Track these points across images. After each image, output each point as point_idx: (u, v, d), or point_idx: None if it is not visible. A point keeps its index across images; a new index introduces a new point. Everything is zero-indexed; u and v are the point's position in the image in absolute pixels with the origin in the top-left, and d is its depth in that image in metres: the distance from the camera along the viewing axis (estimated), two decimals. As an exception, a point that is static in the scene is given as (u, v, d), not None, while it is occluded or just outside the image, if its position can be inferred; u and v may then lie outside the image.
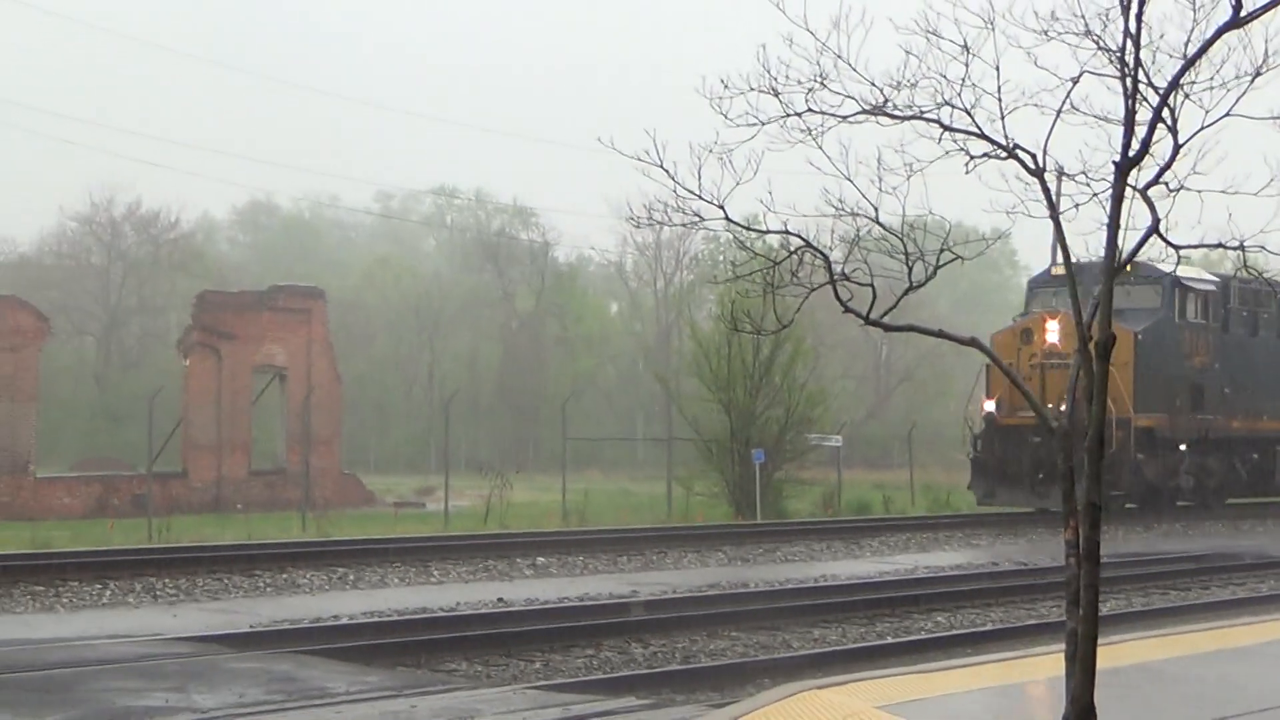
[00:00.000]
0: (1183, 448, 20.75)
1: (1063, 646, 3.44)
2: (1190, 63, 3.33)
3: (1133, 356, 19.41)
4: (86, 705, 6.59)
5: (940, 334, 4.34)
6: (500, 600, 11.61)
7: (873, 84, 3.47)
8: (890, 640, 10.14)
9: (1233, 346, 21.79)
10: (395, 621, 10.38)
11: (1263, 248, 3.61)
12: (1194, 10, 3.33)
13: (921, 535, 19.25)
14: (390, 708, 6.54)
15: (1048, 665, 5.56)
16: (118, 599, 11.80)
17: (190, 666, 7.93)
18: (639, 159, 3.62)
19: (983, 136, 3.58)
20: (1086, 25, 3.40)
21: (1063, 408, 16.20)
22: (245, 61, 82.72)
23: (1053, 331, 19.28)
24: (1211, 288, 21.30)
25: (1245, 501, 23.04)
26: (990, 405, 20.95)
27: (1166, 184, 3.48)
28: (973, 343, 4.18)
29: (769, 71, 3.44)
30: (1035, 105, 3.58)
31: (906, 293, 3.85)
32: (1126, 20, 3.30)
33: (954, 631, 10.61)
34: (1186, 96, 3.44)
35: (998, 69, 3.46)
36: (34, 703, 6.67)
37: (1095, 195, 3.49)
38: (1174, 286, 20.09)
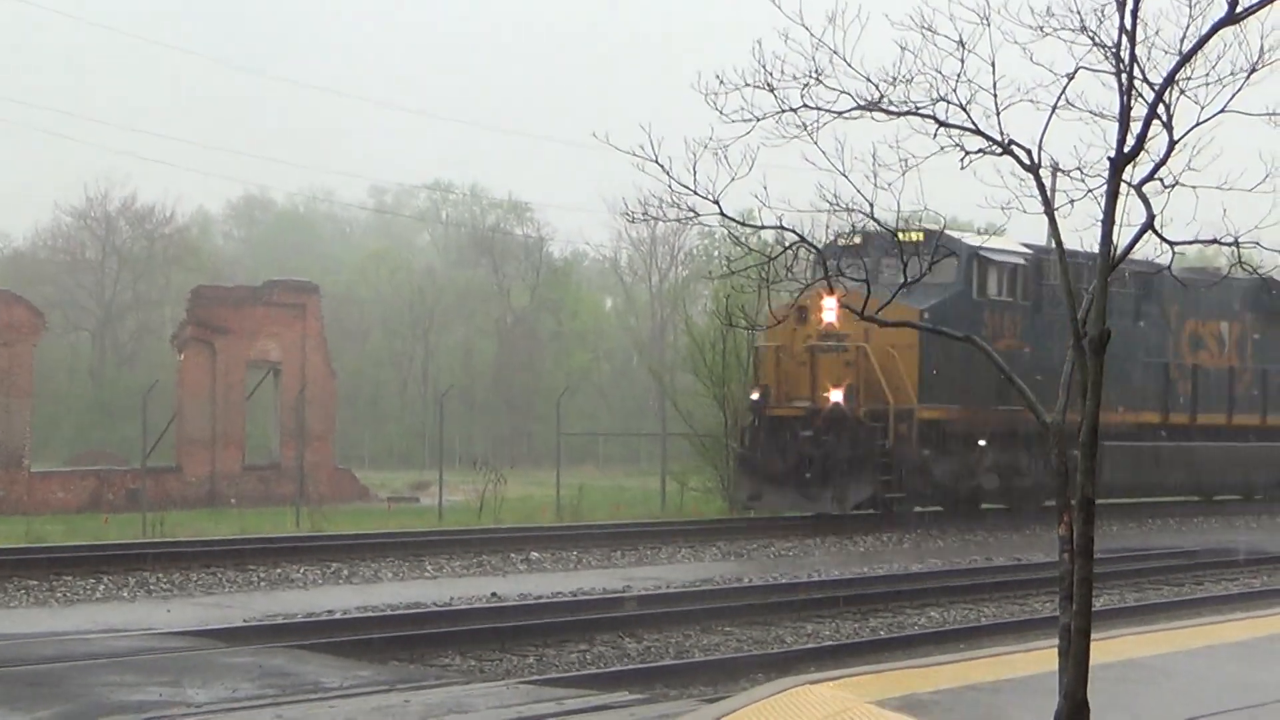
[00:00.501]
0: (983, 443, 18.23)
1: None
2: (1186, 59, 3.32)
3: (918, 338, 16.49)
4: (80, 699, 6.56)
5: (936, 330, 4.33)
6: (494, 595, 11.57)
7: (868, 80, 3.46)
8: (884, 636, 10.17)
9: (1049, 328, 18.00)
10: (389, 616, 10.35)
11: (1258, 244, 3.60)
12: (1190, 6, 3.32)
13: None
14: (384, 702, 6.52)
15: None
16: (111, 593, 11.77)
17: (184, 661, 7.91)
18: (634, 154, 3.60)
19: (978, 132, 3.57)
20: (1082, 21, 3.39)
21: (833, 397, 15.94)
22: (241, 56, 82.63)
23: (829, 310, 16.21)
24: (1020, 261, 18.52)
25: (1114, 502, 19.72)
26: (756, 394, 18.20)
27: (1161, 180, 3.47)
28: (968, 340, 4.16)
29: (764, 67, 3.42)
30: (1031, 101, 3.56)
31: (901, 288, 3.82)
32: (1122, 16, 3.29)
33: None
34: (1182, 93, 3.43)
35: (993, 65, 3.45)
36: (29, 697, 6.64)
37: (1090, 191, 3.48)
38: (972, 259, 17.69)
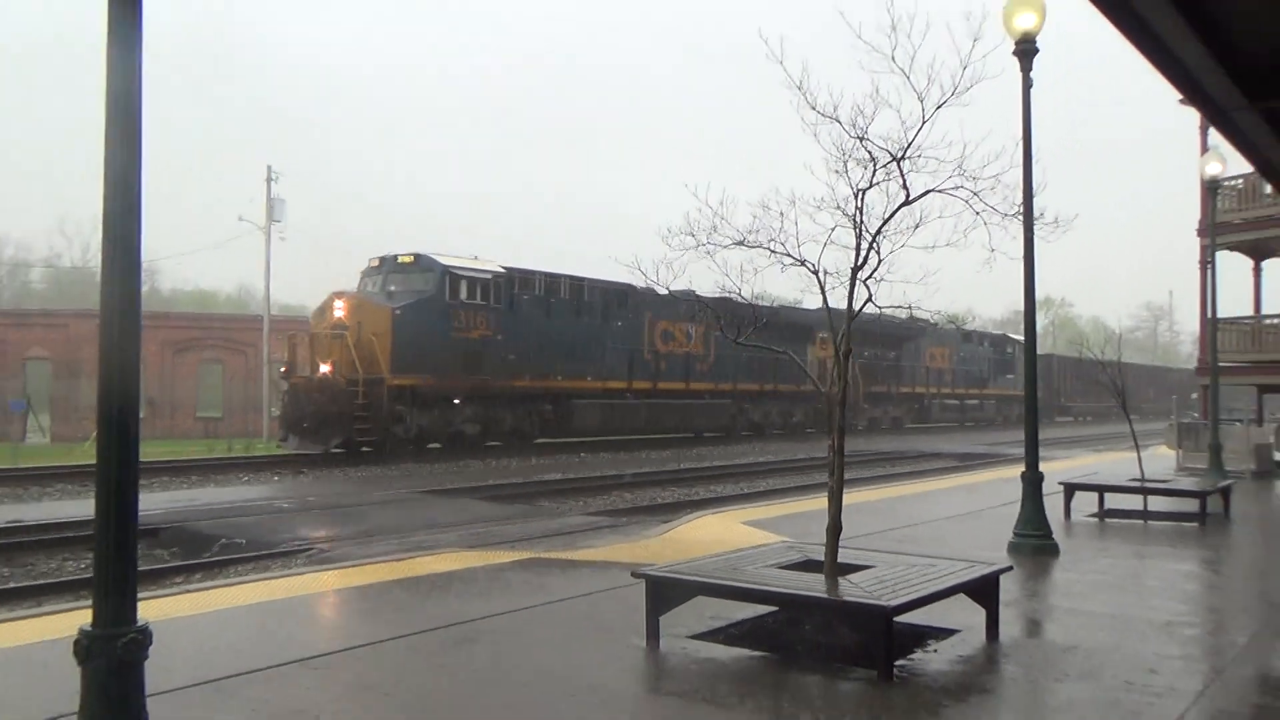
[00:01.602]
0: (457, 401, 24.19)
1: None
2: (885, 222, 6.89)
3: (390, 328, 22.46)
4: None
5: (758, 346, 7.81)
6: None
7: (738, 230, 6.89)
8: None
9: (521, 322, 25.32)
10: None
11: (918, 306, 7.25)
12: (889, 197, 6.90)
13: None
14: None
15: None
16: None
17: None
18: (626, 265, 7.04)
19: (789, 255, 7.01)
20: (839, 205, 6.95)
21: (322, 369, 23.75)
22: None
23: (339, 309, 22.69)
24: (489, 275, 24.74)
25: (550, 441, 27.25)
26: (283, 368, 23.86)
27: (874, 277, 7.05)
28: (771, 350, 7.46)
29: (690, 224, 6.83)
30: (815, 241, 7.08)
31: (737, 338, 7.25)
32: (858, 201, 6.83)
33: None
34: (884, 236, 7.01)
35: (796, 222, 6.93)
36: None
37: (841, 283, 7.02)
38: (445, 274, 23.71)
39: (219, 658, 5.33)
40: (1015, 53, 9.43)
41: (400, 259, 24.48)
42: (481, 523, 12.04)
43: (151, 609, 5.68)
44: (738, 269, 6.90)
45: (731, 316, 31.46)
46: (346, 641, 5.72)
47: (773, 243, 6.82)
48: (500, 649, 5.55)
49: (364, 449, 22.89)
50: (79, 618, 3.08)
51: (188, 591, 7.40)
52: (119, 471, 3.04)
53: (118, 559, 3.03)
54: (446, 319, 23.67)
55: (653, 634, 5.66)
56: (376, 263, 24.88)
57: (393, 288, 24.00)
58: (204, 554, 10.70)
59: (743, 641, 5.73)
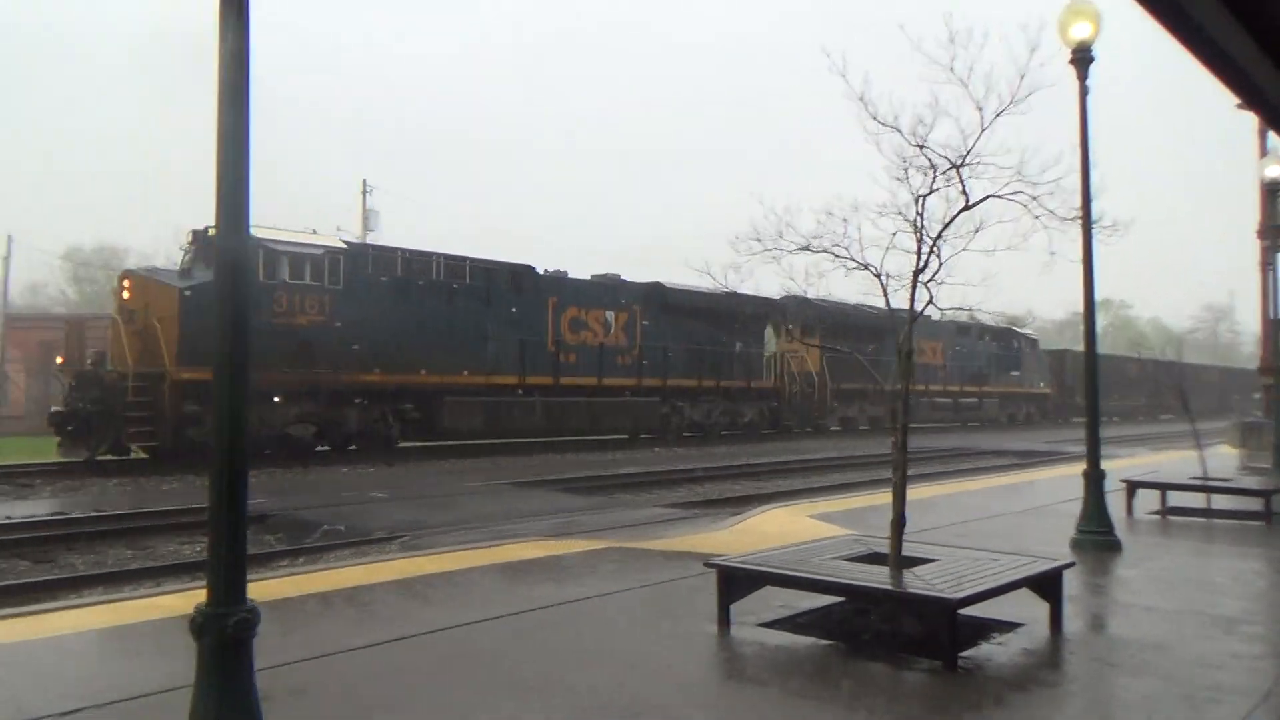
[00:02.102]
0: (277, 399, 19.35)
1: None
2: (945, 227, 6.76)
3: (177, 312, 17.84)
4: None
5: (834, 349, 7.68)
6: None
7: (803, 236, 6.81)
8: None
9: (370, 307, 20.37)
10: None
11: (979, 308, 7.07)
12: (949, 202, 6.75)
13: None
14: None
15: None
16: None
17: None
18: (698, 270, 7.04)
19: (852, 259, 6.91)
20: (900, 210, 6.83)
21: (89, 362, 18.83)
22: None
23: (126, 290, 18.86)
24: (319, 252, 19.87)
25: (419, 445, 22.32)
26: (60, 359, 19.24)
27: (935, 280, 6.90)
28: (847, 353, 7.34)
29: (755, 230, 6.77)
30: (877, 245, 6.97)
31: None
32: (919, 207, 6.71)
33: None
34: (945, 240, 6.86)
35: (859, 228, 6.83)
36: None
37: (903, 285, 6.89)
38: (258, 249, 18.61)
39: (324, 638, 5.43)
40: (1071, 61, 9.17)
41: (211, 233, 19.86)
42: (563, 513, 12.11)
43: (260, 590, 5.82)
44: (803, 273, 6.80)
45: (662, 304, 30.34)
46: (438, 623, 5.79)
47: (837, 247, 6.71)
48: (582, 632, 5.57)
49: (144, 455, 18.60)
50: (196, 596, 3.15)
51: (293, 574, 7.58)
52: (230, 462, 3.11)
53: (229, 544, 3.10)
54: (261, 302, 18.63)
55: (724, 621, 5.62)
56: (189, 238, 19.75)
57: (203, 267, 18.69)
58: (306, 539, 10.95)
59: (810, 630, 5.65)
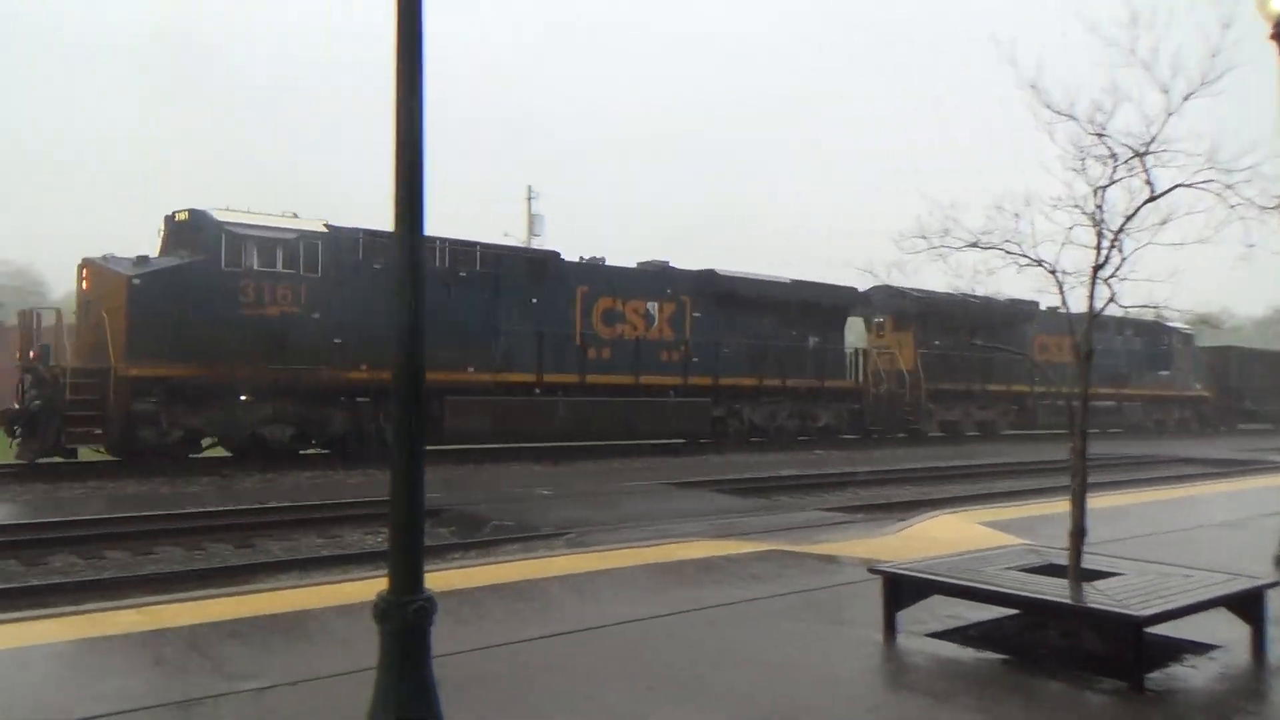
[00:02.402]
0: (245, 398, 17.68)
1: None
2: (1128, 220, 6.33)
3: (125, 303, 16.47)
4: None
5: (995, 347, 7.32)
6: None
7: (970, 232, 6.53)
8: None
9: (354, 297, 18.27)
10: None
11: (1166, 305, 6.57)
12: (1131, 193, 6.32)
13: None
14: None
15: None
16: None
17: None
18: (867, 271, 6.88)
19: (1025, 255, 6.57)
20: (1077, 203, 6.45)
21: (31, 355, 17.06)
22: None
23: (84, 280, 17.64)
24: (291, 237, 18.02)
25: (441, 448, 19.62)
26: (17, 354, 17.76)
27: (1116, 276, 6.47)
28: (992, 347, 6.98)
29: (921, 228, 6.56)
30: (1051, 241, 6.60)
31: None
32: (1098, 199, 6.31)
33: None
34: (1127, 233, 6.42)
35: (1032, 223, 6.49)
36: None
37: (1081, 283, 6.49)
38: (220, 234, 17.30)
39: (494, 629, 5.61)
40: (1272, 36, 8.41)
41: (177, 217, 17.99)
42: (723, 514, 12.08)
43: (435, 580, 6.06)
44: (970, 271, 6.52)
45: (716, 293, 25.67)
46: (603, 619, 5.88)
47: (1008, 243, 6.40)
48: (743, 634, 5.53)
49: (94, 457, 17.39)
50: (378, 584, 3.31)
51: (465, 567, 7.88)
52: (409, 459, 3.25)
53: (407, 535, 3.24)
54: (226, 291, 17.25)
55: (889, 629, 5.46)
56: (162, 224, 18.39)
57: (168, 254, 17.80)
58: (477, 534, 11.37)
59: (981, 643, 5.40)
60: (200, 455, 18.19)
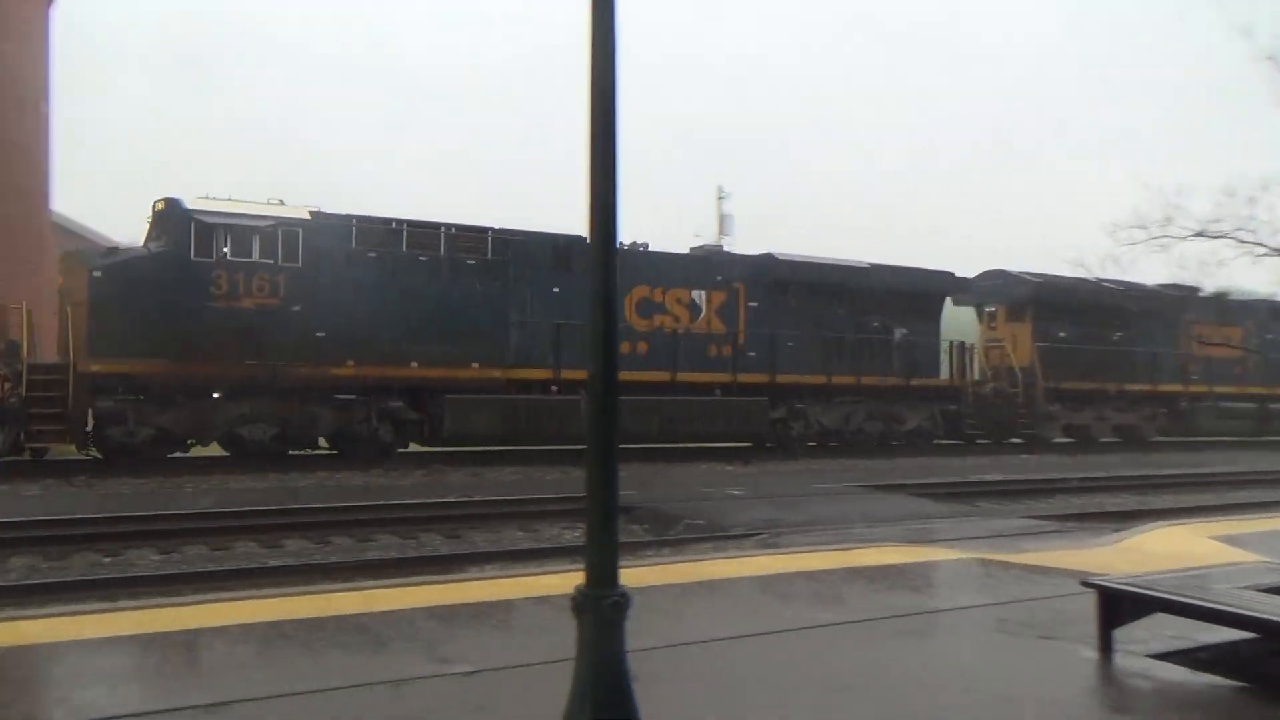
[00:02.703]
0: (217, 395, 16.64)
1: None
2: None
3: (86, 296, 15.79)
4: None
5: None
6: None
7: (1197, 221, 5.99)
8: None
9: (341, 288, 17.10)
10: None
11: None
12: None
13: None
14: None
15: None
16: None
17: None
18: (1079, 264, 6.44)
19: (1261, 245, 5.98)
20: None
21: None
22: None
23: (60, 272, 16.85)
24: (268, 225, 16.84)
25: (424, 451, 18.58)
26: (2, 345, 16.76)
27: None
28: None
29: (1139, 216, 6.08)
30: None
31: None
32: None
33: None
34: None
35: (1272, 209, 5.89)
36: None
37: None
38: (189, 223, 16.35)
39: (686, 627, 5.64)
40: None
41: (156, 206, 16.98)
42: (919, 519, 11.66)
43: (629, 576, 6.15)
44: (1196, 263, 5.96)
45: (775, 280, 22.78)
46: (795, 622, 5.79)
47: (1240, 231, 5.82)
48: (939, 646, 5.30)
49: (67, 454, 16.77)
50: (575, 578, 3.39)
51: (658, 564, 7.97)
52: (604, 457, 3.31)
53: (603, 531, 3.30)
54: (196, 283, 16.33)
55: (1105, 648, 5.07)
56: (149, 214, 17.26)
57: (160, 243, 16.79)
58: (669, 532, 11.49)
59: (1212, 668, 4.93)
60: (178, 455, 17.13)
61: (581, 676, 3.24)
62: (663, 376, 20.30)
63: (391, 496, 13.79)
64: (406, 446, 18.76)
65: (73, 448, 16.71)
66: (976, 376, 25.47)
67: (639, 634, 4.70)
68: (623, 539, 10.04)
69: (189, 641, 5.06)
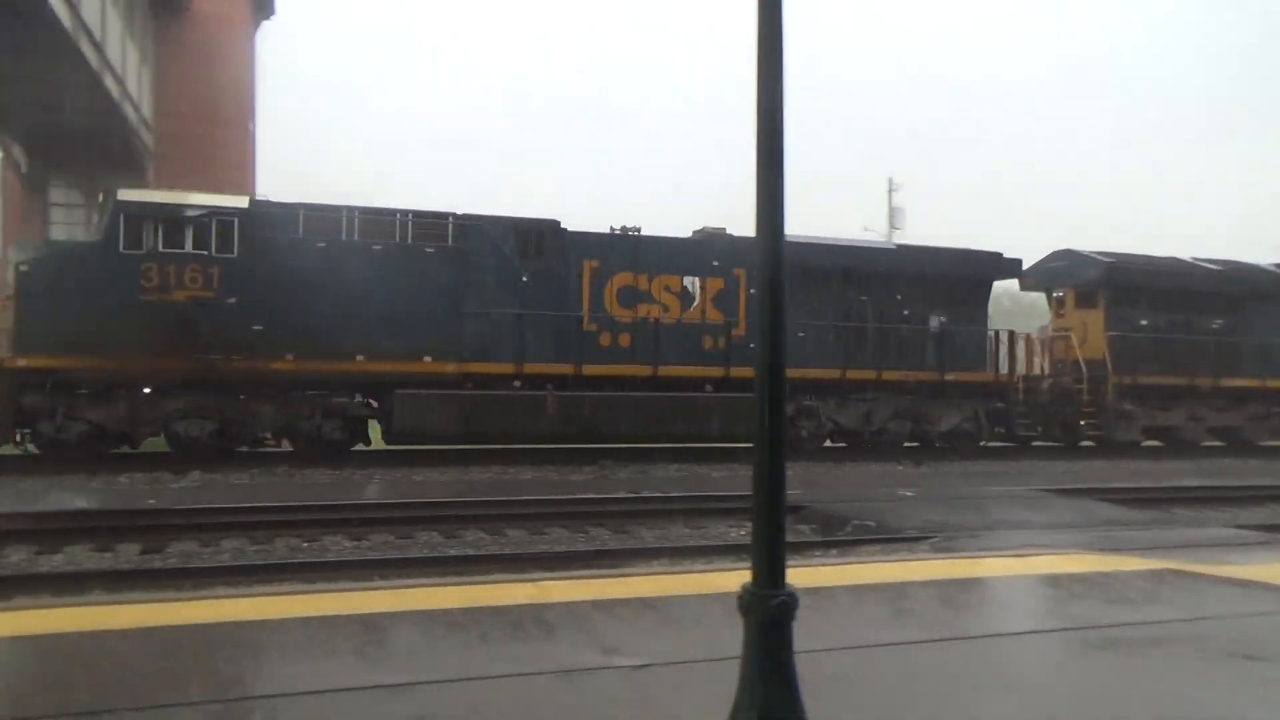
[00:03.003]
0: (148, 391, 16.15)
1: None
2: None
3: (16, 291, 15.49)
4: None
5: None
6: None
7: None
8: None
9: (283, 278, 16.25)
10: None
11: None
12: None
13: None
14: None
15: None
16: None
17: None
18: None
19: None
20: None
21: None
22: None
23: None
24: (201, 214, 16.05)
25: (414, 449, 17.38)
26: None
27: None
28: None
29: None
30: None
31: None
32: None
33: None
34: None
35: None
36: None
37: None
38: (118, 213, 15.76)
39: (855, 630, 5.53)
40: None
41: (121, 195, 16.68)
42: (1105, 525, 10.98)
43: (796, 575, 6.08)
44: None
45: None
46: (969, 630, 5.57)
47: None
48: (1136, 665, 4.96)
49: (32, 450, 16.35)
50: (741, 576, 3.38)
51: (826, 565, 7.85)
52: (772, 457, 3.28)
53: (770, 530, 3.28)
54: (125, 275, 15.84)
55: (1323, 672, 4.62)
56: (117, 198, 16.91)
57: (125, 241, 16.19)
58: (838, 532, 11.28)
59: None
60: (122, 451, 16.80)
61: (748, 675, 3.23)
62: (644, 371, 18.77)
63: (563, 490, 14.18)
64: (369, 444, 18.15)
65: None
66: (1037, 370, 22.62)
67: (807, 636, 4.65)
68: (790, 539, 9.94)
69: (375, 625, 5.37)
